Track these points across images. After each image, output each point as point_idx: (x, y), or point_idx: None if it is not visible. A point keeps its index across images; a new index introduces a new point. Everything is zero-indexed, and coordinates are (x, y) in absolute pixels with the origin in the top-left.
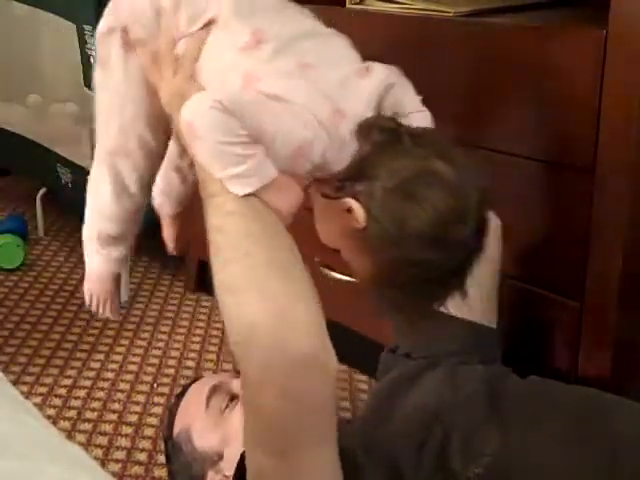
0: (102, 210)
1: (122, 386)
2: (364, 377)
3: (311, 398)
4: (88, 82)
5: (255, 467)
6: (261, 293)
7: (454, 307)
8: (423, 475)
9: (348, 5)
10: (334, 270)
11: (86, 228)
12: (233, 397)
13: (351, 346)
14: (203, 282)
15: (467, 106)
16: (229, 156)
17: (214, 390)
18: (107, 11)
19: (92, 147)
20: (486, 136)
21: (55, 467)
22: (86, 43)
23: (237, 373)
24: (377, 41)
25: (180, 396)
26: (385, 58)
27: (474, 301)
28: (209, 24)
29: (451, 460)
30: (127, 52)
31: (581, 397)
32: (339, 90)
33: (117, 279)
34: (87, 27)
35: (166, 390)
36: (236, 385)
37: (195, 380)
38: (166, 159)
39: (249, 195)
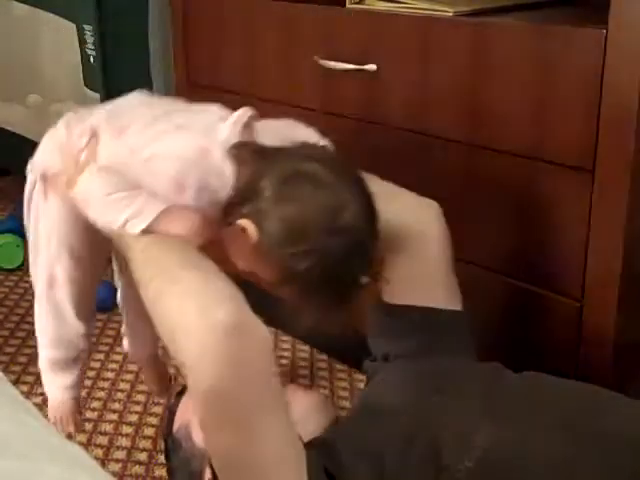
0: (49, 338)
1: (122, 386)
2: (364, 377)
3: (246, 363)
4: (88, 82)
5: (216, 450)
6: (177, 288)
7: (413, 297)
8: (411, 471)
9: (348, 5)
10: None
11: (39, 360)
12: None
13: (351, 346)
14: None
15: (467, 106)
16: (116, 204)
17: None
18: (28, 172)
19: None
20: (486, 136)
21: (55, 467)
22: (86, 43)
23: None
24: (377, 41)
25: (180, 394)
26: (385, 58)
27: (429, 285)
28: (94, 133)
29: (442, 454)
30: (46, 197)
31: (575, 392)
32: (204, 131)
33: (77, 399)
34: (87, 27)
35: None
36: None
37: None
38: (124, 310)
39: (149, 231)
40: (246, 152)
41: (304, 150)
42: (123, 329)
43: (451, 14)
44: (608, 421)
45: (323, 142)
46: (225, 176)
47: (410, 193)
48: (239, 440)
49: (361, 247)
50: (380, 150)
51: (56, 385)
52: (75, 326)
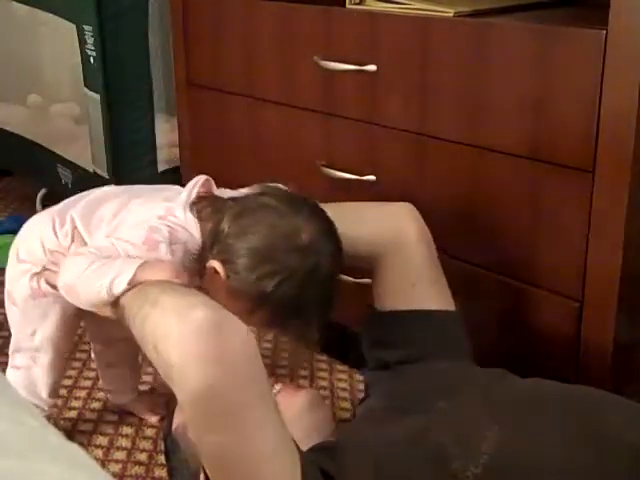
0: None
1: None
2: (364, 378)
3: (230, 364)
4: (88, 82)
5: (206, 450)
6: (158, 309)
7: (402, 301)
8: (415, 475)
9: (348, 5)
10: None
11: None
12: None
13: (351, 346)
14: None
15: (467, 106)
16: (97, 274)
17: None
18: (20, 261)
19: (92, 148)
20: (486, 136)
21: (55, 467)
22: (86, 43)
23: None
24: (377, 42)
25: None
26: (385, 59)
27: (416, 287)
28: (74, 231)
29: (448, 460)
30: (36, 295)
31: (577, 396)
32: (166, 199)
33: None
34: (87, 27)
35: (166, 390)
36: None
37: None
38: (99, 365)
39: (133, 284)
40: (205, 203)
41: (258, 190)
42: (100, 383)
43: (451, 15)
44: (610, 425)
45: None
46: (191, 229)
47: (382, 202)
48: (228, 439)
49: (324, 263)
50: (380, 151)
51: None
52: (47, 401)
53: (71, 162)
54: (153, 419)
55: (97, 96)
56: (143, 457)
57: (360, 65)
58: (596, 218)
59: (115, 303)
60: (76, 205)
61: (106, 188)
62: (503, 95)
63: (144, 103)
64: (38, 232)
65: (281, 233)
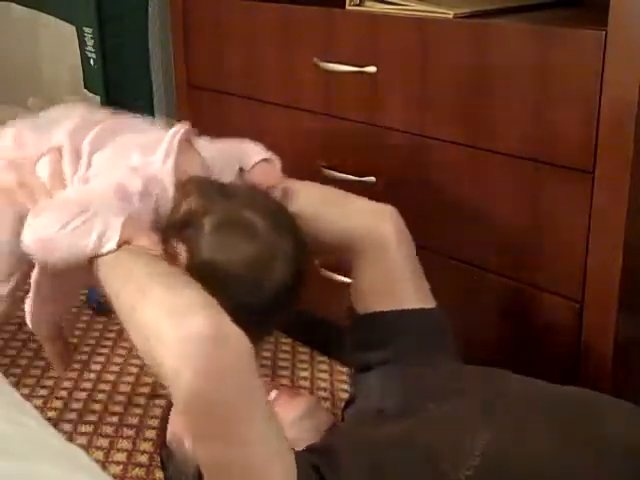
0: None
1: (123, 388)
2: None
3: (227, 374)
4: (88, 84)
5: (204, 459)
6: (148, 300)
7: (382, 302)
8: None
9: (348, 7)
10: (333, 271)
11: None
12: None
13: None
14: None
15: (467, 107)
16: (77, 232)
17: None
18: None
19: None
20: (485, 137)
21: (56, 469)
22: (86, 45)
23: None
24: (377, 43)
25: (170, 404)
26: (385, 60)
27: (396, 288)
28: (58, 153)
29: (439, 463)
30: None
31: (574, 398)
32: (143, 148)
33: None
34: (87, 29)
35: (166, 392)
36: None
37: None
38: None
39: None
40: (193, 183)
41: (249, 199)
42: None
43: (451, 16)
44: (608, 428)
45: (268, 155)
46: (166, 183)
47: (363, 199)
48: (225, 448)
49: (280, 307)
50: (380, 152)
51: None
52: None
53: None
54: (58, 367)
55: (97, 98)
56: (144, 459)
57: (360, 66)
58: (596, 218)
59: (92, 259)
60: (60, 128)
61: (95, 113)
62: (503, 96)
63: (144, 105)
64: None
65: (251, 265)
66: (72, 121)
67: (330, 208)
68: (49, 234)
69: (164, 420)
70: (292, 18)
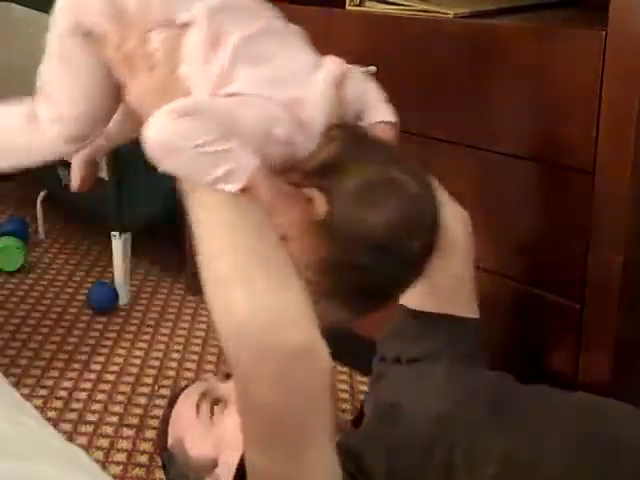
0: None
1: (123, 388)
2: (364, 378)
3: (305, 392)
4: None
5: (254, 467)
6: (248, 289)
7: (428, 302)
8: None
9: (348, 7)
10: None
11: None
12: (219, 401)
13: (351, 347)
14: None
15: (467, 107)
16: (207, 158)
17: (203, 396)
18: (65, 7)
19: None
20: (486, 137)
21: (56, 469)
22: None
23: (223, 376)
24: (377, 43)
25: (171, 405)
26: (385, 59)
27: (453, 294)
28: (183, 25)
29: (456, 473)
30: (89, 51)
31: (583, 405)
32: (295, 80)
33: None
34: None
35: (167, 392)
36: (224, 389)
37: (184, 388)
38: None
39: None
40: (345, 133)
41: (402, 159)
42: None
43: (451, 16)
44: (627, 441)
45: (394, 119)
46: (311, 138)
47: (447, 196)
48: (283, 468)
49: (415, 269)
50: None
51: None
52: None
53: (70, 164)
54: (74, 186)
55: None
56: (144, 459)
57: (360, 66)
58: (596, 220)
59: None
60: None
61: None
62: (503, 96)
63: None
64: None
65: (398, 225)
66: None
67: None
68: (179, 146)
69: (165, 421)
70: (292, 18)
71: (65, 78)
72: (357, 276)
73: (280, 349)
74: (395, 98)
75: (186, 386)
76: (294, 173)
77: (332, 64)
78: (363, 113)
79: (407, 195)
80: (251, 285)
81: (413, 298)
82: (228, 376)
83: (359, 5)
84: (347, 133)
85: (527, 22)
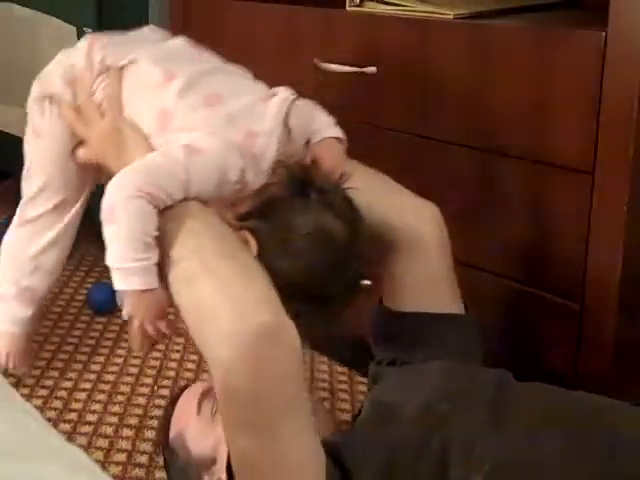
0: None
1: (123, 388)
2: (364, 379)
3: (277, 369)
4: None
5: (238, 452)
6: (218, 282)
7: (415, 301)
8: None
9: (348, 7)
10: None
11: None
12: None
13: (351, 347)
14: None
15: (467, 108)
16: (137, 244)
17: (205, 395)
18: (36, 82)
19: None
20: (485, 138)
21: (56, 469)
22: None
23: None
24: (377, 44)
25: (172, 403)
26: (385, 60)
27: (431, 289)
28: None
29: (450, 469)
30: (55, 117)
31: (581, 403)
32: (248, 114)
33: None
34: (87, 30)
35: (167, 392)
36: None
37: (185, 387)
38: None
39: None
40: (289, 178)
41: (339, 206)
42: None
43: (451, 17)
44: (613, 430)
45: (339, 135)
46: (262, 167)
47: (410, 194)
48: (261, 444)
49: (342, 304)
50: (380, 153)
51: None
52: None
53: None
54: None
55: None
56: (143, 459)
57: (360, 67)
58: (596, 220)
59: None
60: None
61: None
62: (503, 97)
63: None
64: (67, 52)
65: (317, 279)
66: (151, 42)
67: (378, 200)
68: (128, 223)
69: (165, 420)
70: (292, 19)
71: (39, 151)
72: (295, 308)
73: (250, 332)
74: (395, 98)
75: (186, 386)
76: (231, 213)
77: (280, 96)
78: (312, 135)
79: (332, 246)
80: (219, 279)
81: (393, 299)
82: None
83: (359, 5)
84: (290, 174)
85: (527, 23)
